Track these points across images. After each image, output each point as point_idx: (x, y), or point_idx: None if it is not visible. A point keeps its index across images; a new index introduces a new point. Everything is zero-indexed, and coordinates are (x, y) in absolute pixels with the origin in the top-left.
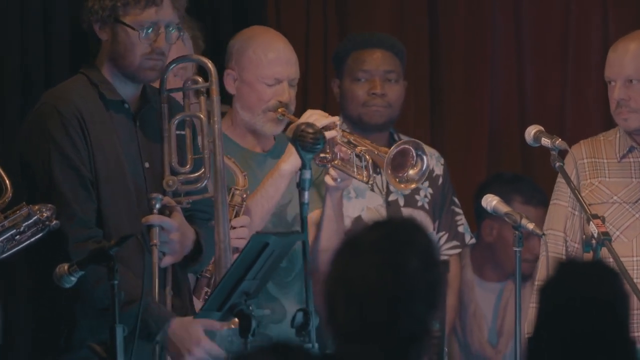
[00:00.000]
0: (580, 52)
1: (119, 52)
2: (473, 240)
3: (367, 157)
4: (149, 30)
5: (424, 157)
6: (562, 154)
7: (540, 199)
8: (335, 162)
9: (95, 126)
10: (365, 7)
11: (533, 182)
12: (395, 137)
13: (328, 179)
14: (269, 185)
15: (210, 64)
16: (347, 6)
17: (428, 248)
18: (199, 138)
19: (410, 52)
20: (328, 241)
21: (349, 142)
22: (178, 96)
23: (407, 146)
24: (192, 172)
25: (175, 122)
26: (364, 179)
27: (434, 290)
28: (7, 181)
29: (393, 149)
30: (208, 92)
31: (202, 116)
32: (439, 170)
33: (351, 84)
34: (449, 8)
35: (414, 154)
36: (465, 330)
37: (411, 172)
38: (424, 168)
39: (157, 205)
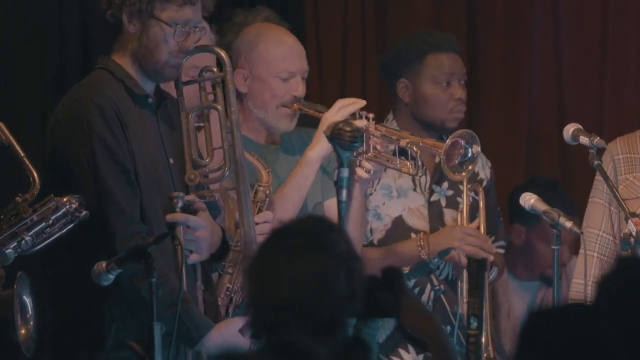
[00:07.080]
0: (619, 49)
1: (147, 47)
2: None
3: (415, 149)
4: (182, 29)
5: (472, 147)
6: (600, 152)
7: (571, 210)
8: (369, 154)
9: (130, 121)
10: (404, 1)
11: (565, 191)
12: None
13: (360, 172)
14: (298, 174)
15: (224, 54)
16: (386, 0)
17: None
18: (218, 129)
19: None
20: (354, 232)
21: (384, 135)
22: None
23: (458, 138)
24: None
25: (193, 115)
26: (411, 170)
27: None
28: (36, 174)
29: (448, 141)
30: (223, 83)
31: (219, 107)
32: (483, 174)
33: (433, 88)
34: (487, 5)
35: (462, 144)
36: (499, 331)
37: (461, 160)
38: (469, 155)
39: (180, 204)
